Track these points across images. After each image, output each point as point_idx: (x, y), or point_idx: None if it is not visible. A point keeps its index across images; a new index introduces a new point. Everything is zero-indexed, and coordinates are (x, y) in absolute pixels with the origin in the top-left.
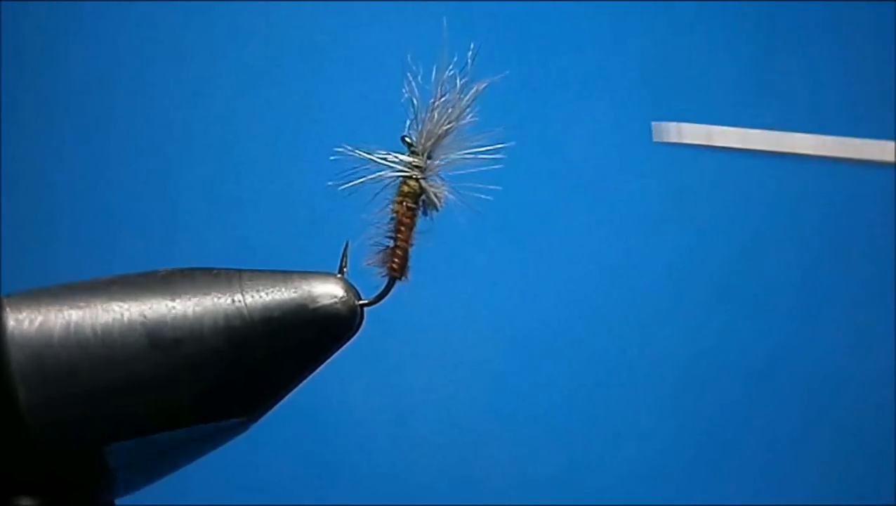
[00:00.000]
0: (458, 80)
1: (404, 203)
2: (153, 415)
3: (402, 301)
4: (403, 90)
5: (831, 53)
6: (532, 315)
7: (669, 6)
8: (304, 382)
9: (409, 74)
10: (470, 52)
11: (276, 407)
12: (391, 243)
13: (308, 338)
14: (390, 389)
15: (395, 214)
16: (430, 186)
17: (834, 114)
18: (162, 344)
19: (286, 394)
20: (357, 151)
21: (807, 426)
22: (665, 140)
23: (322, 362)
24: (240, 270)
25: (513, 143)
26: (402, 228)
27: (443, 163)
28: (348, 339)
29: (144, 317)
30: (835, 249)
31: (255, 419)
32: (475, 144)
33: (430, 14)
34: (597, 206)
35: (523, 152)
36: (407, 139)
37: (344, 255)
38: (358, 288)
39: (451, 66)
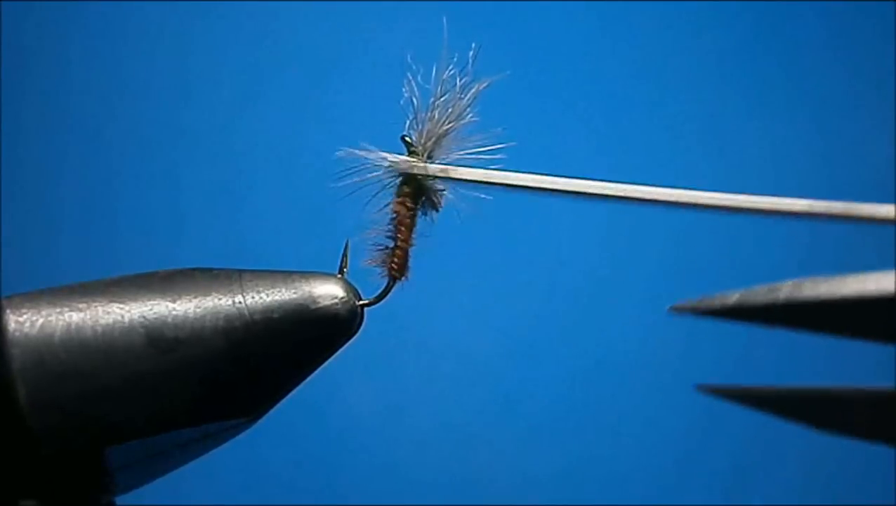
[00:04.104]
0: (458, 80)
1: (404, 203)
2: (154, 416)
3: (401, 301)
4: (403, 90)
5: (831, 54)
6: (532, 315)
7: (669, 6)
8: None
9: (408, 74)
10: (470, 52)
11: (276, 406)
12: (391, 243)
13: (308, 339)
14: (389, 388)
15: (394, 215)
16: (430, 186)
17: (834, 114)
18: (162, 345)
19: (287, 394)
20: (357, 152)
21: None
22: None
23: (322, 362)
24: (240, 271)
25: (513, 143)
26: (402, 229)
27: (443, 163)
28: (348, 339)
29: (145, 318)
30: (835, 246)
31: (256, 419)
32: (475, 144)
33: (430, 14)
34: (596, 205)
35: (523, 152)
36: (407, 139)
37: (344, 254)
38: (358, 287)
39: (451, 66)
